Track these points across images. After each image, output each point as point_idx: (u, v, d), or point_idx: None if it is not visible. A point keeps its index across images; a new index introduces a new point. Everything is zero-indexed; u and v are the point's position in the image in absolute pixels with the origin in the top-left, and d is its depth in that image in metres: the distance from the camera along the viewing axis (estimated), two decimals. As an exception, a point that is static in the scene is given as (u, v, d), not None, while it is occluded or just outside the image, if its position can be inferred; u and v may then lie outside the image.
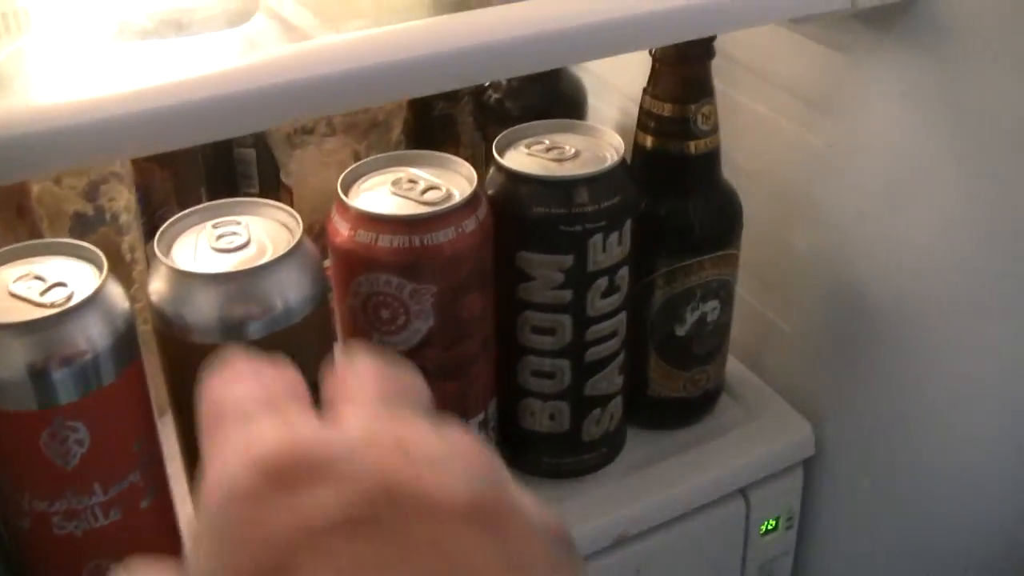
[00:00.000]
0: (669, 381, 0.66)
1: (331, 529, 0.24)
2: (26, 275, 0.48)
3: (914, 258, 0.61)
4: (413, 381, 0.31)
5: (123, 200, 0.64)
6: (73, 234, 0.63)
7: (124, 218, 0.64)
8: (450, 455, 0.26)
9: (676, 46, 0.59)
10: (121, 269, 0.64)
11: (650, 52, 0.60)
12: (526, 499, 0.27)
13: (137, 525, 0.51)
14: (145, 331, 0.52)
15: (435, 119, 0.82)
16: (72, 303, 0.46)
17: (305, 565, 0.23)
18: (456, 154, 0.80)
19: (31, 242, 0.51)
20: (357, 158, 0.71)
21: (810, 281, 0.68)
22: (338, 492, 0.24)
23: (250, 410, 0.28)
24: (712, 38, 0.59)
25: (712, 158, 0.62)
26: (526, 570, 0.25)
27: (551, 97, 0.75)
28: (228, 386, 0.29)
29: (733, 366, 0.72)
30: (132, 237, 0.65)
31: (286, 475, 0.25)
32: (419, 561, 0.24)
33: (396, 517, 0.24)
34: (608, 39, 0.49)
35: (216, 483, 0.26)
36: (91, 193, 0.62)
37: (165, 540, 0.53)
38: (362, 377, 0.30)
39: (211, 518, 0.25)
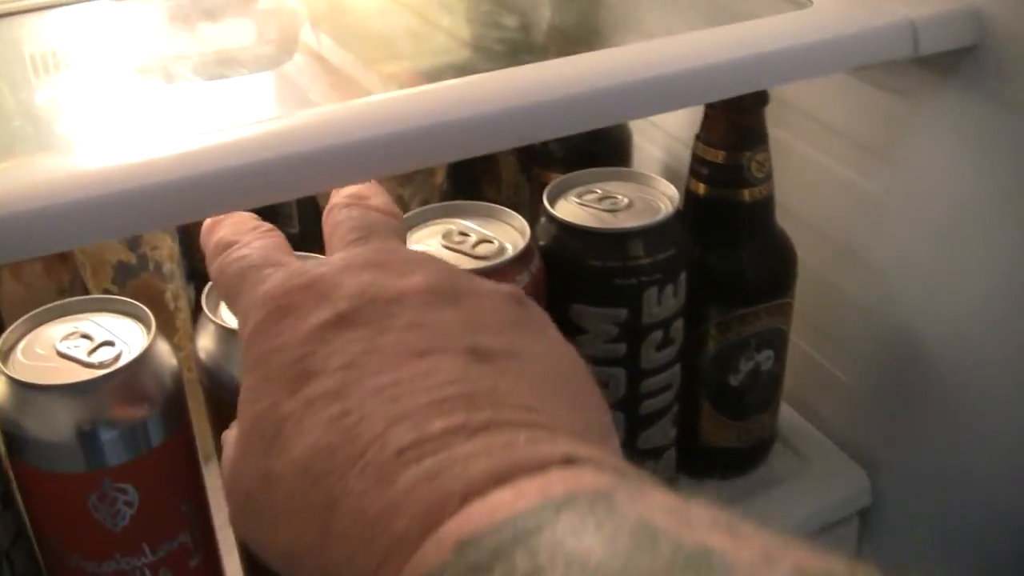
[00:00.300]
0: (722, 431, 0.65)
1: (324, 327, 0.31)
2: (73, 333, 0.48)
3: (972, 306, 0.59)
4: (384, 215, 0.39)
5: (166, 248, 0.63)
6: (116, 282, 0.63)
7: (167, 267, 0.64)
8: (412, 261, 0.34)
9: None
10: (164, 316, 0.63)
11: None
12: (485, 282, 0.35)
13: (186, 586, 0.50)
14: (189, 379, 0.52)
15: (477, 159, 0.81)
16: (121, 364, 0.46)
17: (313, 354, 0.31)
18: (498, 195, 0.79)
19: (78, 298, 0.50)
20: (401, 202, 0.71)
21: (865, 328, 0.66)
22: (327, 303, 0.32)
23: (261, 274, 0.35)
24: (767, 84, 0.58)
25: (766, 205, 0.60)
26: (483, 327, 0.32)
27: (596, 138, 0.74)
28: (235, 260, 0.37)
29: (787, 414, 0.71)
30: (176, 285, 0.64)
31: (287, 305, 0.33)
32: (395, 334, 0.31)
33: (373, 308, 0.32)
34: (663, 95, 0.48)
35: (244, 331, 0.34)
36: (134, 242, 0.62)
37: (213, 600, 0.52)
38: (341, 225, 0.38)
39: (246, 356, 0.33)
